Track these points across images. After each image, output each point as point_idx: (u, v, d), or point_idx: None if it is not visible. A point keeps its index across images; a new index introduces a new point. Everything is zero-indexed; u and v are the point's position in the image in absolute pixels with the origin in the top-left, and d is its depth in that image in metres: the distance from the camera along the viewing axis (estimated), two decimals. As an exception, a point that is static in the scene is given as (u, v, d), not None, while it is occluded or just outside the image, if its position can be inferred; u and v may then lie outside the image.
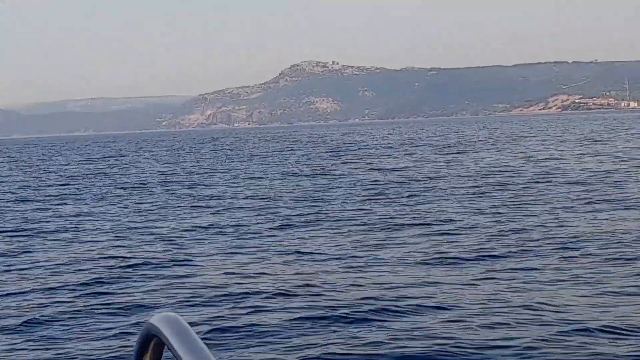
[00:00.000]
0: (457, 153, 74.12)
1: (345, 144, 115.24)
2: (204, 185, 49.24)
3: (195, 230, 28.28)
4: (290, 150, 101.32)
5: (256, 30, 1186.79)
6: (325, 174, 53.18)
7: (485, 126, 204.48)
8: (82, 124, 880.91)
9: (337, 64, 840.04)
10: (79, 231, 29.50)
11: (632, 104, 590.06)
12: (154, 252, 23.54)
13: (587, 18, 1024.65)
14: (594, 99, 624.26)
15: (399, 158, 70.49)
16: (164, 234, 27.58)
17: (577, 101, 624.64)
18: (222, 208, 35.29)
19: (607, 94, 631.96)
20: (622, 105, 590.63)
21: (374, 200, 35.21)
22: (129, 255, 23.15)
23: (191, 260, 21.78)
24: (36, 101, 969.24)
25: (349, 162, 66.23)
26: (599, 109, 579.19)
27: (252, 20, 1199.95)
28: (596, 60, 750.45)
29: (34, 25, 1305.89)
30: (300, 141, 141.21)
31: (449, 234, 24.74)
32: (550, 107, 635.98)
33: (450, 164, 58.23)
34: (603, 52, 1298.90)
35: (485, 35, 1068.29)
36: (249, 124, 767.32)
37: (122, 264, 21.48)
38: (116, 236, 27.68)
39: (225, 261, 21.56)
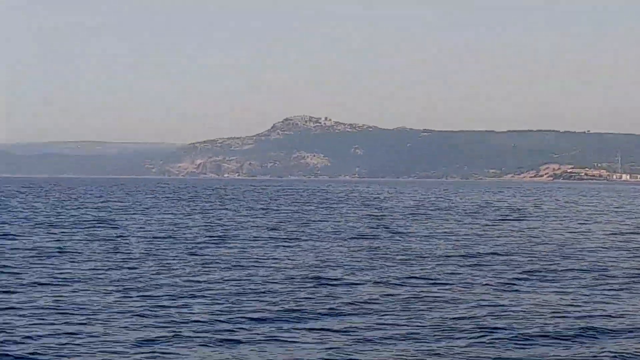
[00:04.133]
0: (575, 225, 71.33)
1: (412, 207, 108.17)
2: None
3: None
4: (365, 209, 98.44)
5: (250, 82, 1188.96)
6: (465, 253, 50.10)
7: (518, 192, 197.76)
8: (70, 166, 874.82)
9: (330, 120, 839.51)
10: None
11: (624, 176, 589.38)
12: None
13: (579, 88, 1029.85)
14: (586, 169, 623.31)
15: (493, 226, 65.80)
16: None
17: (568, 171, 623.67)
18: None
19: (599, 164, 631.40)
20: (614, 177, 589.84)
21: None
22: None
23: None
24: (27, 141, 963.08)
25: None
26: (590, 179, 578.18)
27: (246, 72, 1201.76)
28: (588, 130, 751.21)
29: (26, 66, 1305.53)
30: (348, 198, 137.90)
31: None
32: (541, 175, 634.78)
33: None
34: (595, 123, 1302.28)
35: (477, 100, 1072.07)
36: (238, 175, 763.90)
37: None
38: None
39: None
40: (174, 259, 37.63)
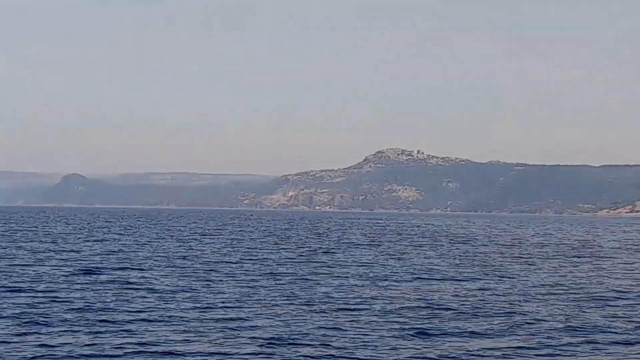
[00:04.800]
0: None
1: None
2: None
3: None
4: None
5: (343, 114, 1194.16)
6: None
7: None
8: (166, 197, 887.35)
9: (422, 153, 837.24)
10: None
11: None
12: None
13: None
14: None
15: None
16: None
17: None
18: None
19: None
20: None
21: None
22: None
23: None
24: (120, 172, 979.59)
25: None
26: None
27: (339, 105, 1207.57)
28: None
29: (121, 99, 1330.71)
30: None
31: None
32: (637, 211, 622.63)
33: None
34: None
35: (573, 134, 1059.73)
36: (330, 208, 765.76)
37: None
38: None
39: None
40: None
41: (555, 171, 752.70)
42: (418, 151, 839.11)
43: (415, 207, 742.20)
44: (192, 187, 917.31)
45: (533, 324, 31.21)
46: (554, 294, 41.50)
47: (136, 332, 27.88)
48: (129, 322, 29.90)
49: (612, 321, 32.42)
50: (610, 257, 74.15)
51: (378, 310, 34.05)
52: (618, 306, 37.31)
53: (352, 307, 35.12)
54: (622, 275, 54.01)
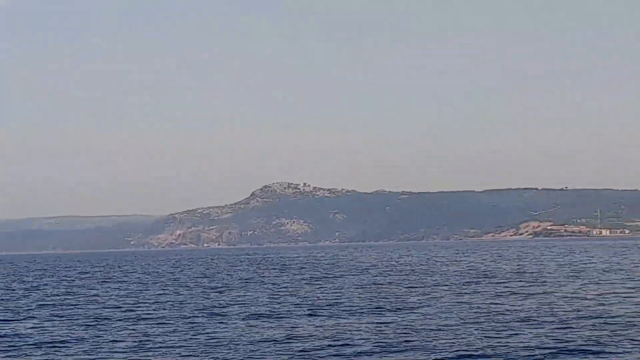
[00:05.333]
0: None
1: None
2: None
3: None
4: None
5: (227, 149, 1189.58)
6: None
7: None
8: (51, 242, 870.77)
9: (309, 185, 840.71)
10: None
11: (604, 232, 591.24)
12: None
13: (555, 146, 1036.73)
14: (566, 225, 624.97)
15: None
16: None
17: (548, 228, 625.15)
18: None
19: (578, 221, 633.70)
20: (594, 232, 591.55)
21: None
22: None
23: None
24: (2, 218, 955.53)
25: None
26: (570, 236, 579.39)
27: (223, 140, 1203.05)
28: (566, 187, 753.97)
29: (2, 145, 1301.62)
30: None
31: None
32: (521, 234, 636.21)
33: None
34: (573, 179, 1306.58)
35: (454, 161, 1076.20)
36: (218, 245, 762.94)
37: None
38: None
39: None
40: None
41: (440, 198, 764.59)
42: (304, 184, 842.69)
43: (304, 240, 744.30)
44: (78, 231, 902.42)
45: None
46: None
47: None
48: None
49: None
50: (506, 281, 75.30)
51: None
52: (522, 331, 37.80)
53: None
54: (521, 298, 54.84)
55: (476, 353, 32.15)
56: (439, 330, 39.34)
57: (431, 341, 35.59)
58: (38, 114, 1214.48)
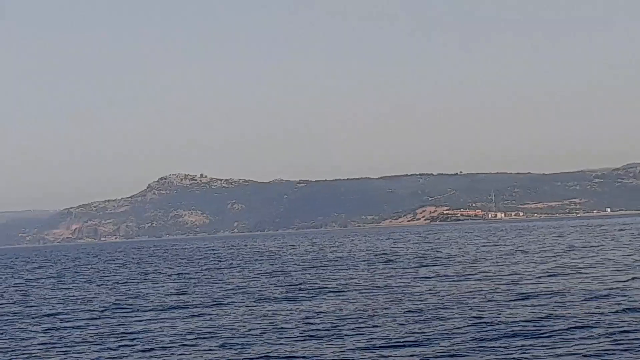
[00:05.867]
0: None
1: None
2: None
3: None
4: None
5: (123, 141, 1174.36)
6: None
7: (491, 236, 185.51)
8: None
9: (206, 176, 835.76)
10: None
11: (499, 215, 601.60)
12: None
13: (449, 131, 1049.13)
14: (462, 210, 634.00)
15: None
16: None
17: (445, 212, 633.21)
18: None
19: (474, 205, 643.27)
20: (490, 216, 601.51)
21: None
22: None
23: None
24: None
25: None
26: (466, 220, 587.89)
27: (117, 132, 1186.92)
28: (461, 172, 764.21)
29: None
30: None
31: None
32: (418, 219, 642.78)
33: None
34: (467, 164, 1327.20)
35: (350, 148, 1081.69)
36: (116, 238, 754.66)
37: None
38: None
39: None
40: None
41: (338, 185, 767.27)
42: (201, 175, 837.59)
43: (203, 231, 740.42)
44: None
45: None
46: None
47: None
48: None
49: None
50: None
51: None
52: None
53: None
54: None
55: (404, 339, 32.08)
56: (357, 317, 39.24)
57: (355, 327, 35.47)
58: None
